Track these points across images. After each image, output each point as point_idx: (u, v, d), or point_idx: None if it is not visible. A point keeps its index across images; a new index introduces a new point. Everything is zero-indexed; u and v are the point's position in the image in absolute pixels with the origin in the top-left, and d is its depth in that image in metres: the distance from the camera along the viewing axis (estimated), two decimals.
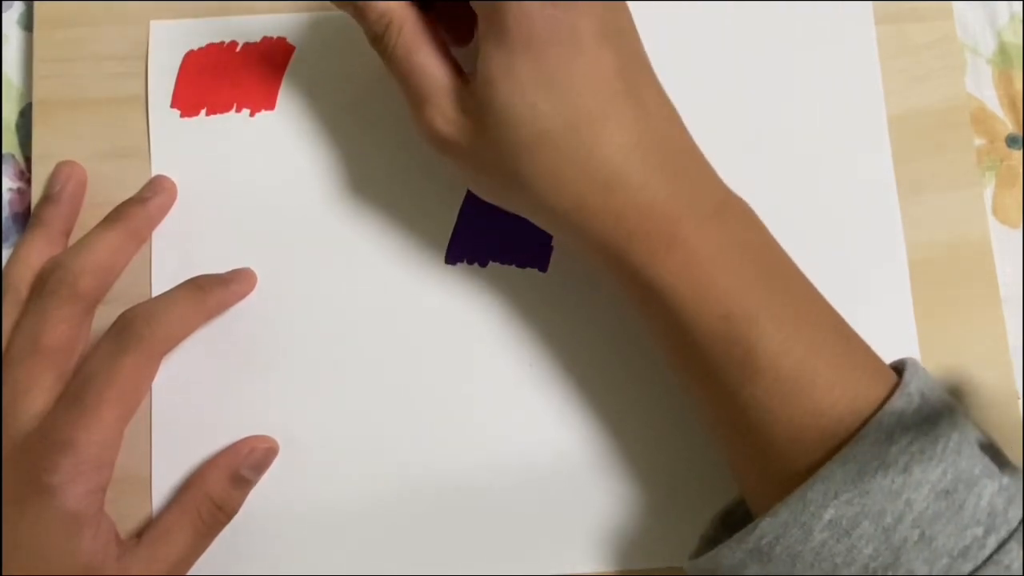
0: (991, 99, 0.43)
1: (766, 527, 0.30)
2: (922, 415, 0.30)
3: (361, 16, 0.34)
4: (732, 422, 0.32)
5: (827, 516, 0.29)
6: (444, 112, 0.33)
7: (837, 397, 0.31)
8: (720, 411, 0.33)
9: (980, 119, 0.42)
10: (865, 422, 0.30)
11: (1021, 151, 0.42)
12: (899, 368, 0.33)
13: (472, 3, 0.32)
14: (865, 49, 0.42)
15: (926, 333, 0.40)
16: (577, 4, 0.31)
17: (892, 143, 0.41)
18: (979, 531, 0.28)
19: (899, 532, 0.28)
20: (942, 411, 0.31)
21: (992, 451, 0.30)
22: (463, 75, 0.34)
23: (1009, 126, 0.43)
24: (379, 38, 0.34)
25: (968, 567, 0.28)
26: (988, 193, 0.42)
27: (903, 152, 0.41)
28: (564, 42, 0.31)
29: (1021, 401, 0.39)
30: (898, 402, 0.30)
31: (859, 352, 0.33)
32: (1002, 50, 0.43)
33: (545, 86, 0.31)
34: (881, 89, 0.42)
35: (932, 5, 0.42)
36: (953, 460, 0.29)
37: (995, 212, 0.42)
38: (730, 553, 0.31)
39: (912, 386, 0.31)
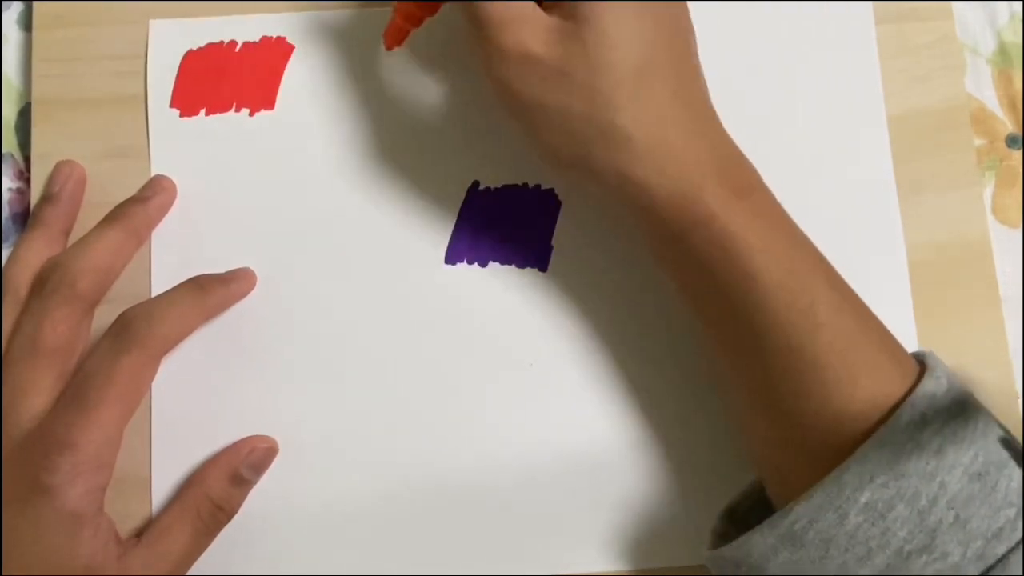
0: (991, 99, 0.43)
1: (800, 511, 0.29)
2: (951, 399, 0.30)
3: None
4: (774, 388, 0.32)
5: (863, 499, 0.29)
6: (533, 29, 0.32)
7: (878, 375, 0.31)
8: (766, 374, 0.32)
9: (980, 119, 0.42)
10: (896, 406, 0.30)
11: (1021, 151, 0.42)
12: (917, 357, 0.33)
13: None
14: (865, 49, 0.42)
15: (926, 333, 0.40)
16: None
17: (892, 143, 0.41)
18: (1011, 512, 0.29)
19: (934, 514, 0.29)
20: (967, 397, 0.31)
21: (1013, 447, 0.30)
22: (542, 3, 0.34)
23: (1009, 126, 0.43)
24: None
25: (1002, 548, 0.28)
26: (988, 193, 0.42)
27: (903, 152, 0.41)
28: None
29: (1021, 401, 0.39)
30: (929, 384, 0.30)
31: (892, 337, 0.33)
32: (1002, 50, 0.43)
33: (652, 18, 0.32)
34: (881, 89, 0.42)
35: (932, 5, 0.42)
36: (983, 443, 0.29)
37: (995, 212, 0.42)
38: (761, 539, 0.30)
39: (939, 370, 0.31)
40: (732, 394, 0.35)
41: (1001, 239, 0.41)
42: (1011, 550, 0.28)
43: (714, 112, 0.34)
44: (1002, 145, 0.42)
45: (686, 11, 0.34)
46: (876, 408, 0.30)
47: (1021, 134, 0.42)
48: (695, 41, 0.35)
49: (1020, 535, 0.28)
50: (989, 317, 0.40)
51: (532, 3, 0.33)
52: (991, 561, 0.28)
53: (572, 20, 0.32)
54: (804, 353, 0.31)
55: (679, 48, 0.33)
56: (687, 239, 0.33)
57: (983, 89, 0.43)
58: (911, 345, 0.39)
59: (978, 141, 0.42)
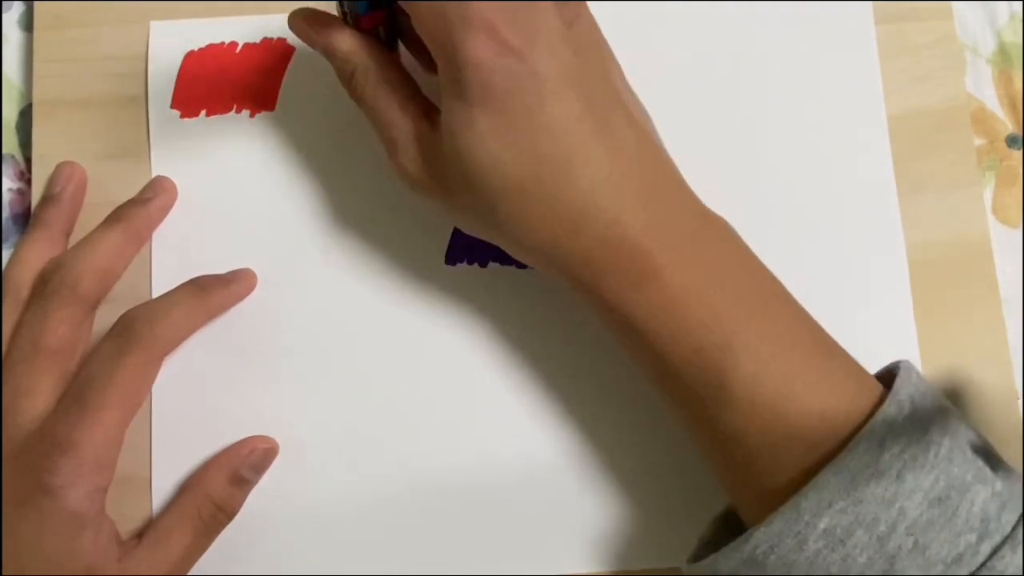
0: (991, 99, 0.43)
1: (760, 537, 0.30)
2: (913, 421, 0.30)
3: (328, 57, 0.35)
4: (714, 444, 0.33)
5: (821, 525, 0.29)
6: (413, 158, 0.34)
7: (818, 419, 0.31)
8: (702, 434, 0.33)
9: (980, 119, 0.42)
10: (855, 430, 0.30)
11: (1021, 151, 0.42)
12: (892, 371, 0.32)
13: (431, 48, 0.32)
14: (865, 49, 0.42)
15: (926, 333, 0.40)
16: (536, 46, 0.30)
17: (892, 143, 0.41)
18: (972, 538, 0.29)
19: (893, 540, 0.28)
20: (934, 416, 0.31)
21: (986, 453, 0.30)
22: (432, 116, 0.34)
23: (1009, 126, 0.43)
24: (347, 82, 0.35)
25: (963, 573, 0.28)
26: (988, 193, 0.42)
27: (903, 152, 0.41)
28: (525, 91, 0.30)
29: (1021, 401, 0.39)
30: (890, 409, 0.30)
31: (842, 366, 0.32)
32: (1002, 50, 0.43)
33: (508, 137, 0.31)
34: (881, 89, 0.42)
35: (932, 5, 0.42)
36: (945, 467, 0.29)
37: (995, 212, 0.42)
38: (725, 562, 0.31)
39: (903, 392, 0.31)
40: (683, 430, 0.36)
41: (1001, 239, 0.41)
42: (971, 575, 0.28)
43: (609, 193, 0.31)
44: (1002, 145, 0.42)
45: (579, 83, 0.31)
46: (832, 439, 0.30)
47: (1021, 134, 0.42)
48: (599, 108, 0.32)
49: (980, 559, 0.28)
50: (989, 317, 0.40)
51: (418, 122, 0.34)
52: None
53: (442, 147, 0.32)
54: (725, 423, 0.31)
55: (557, 145, 0.31)
56: (603, 319, 0.33)
57: (983, 89, 0.43)
58: (911, 344, 0.39)
59: (978, 141, 0.42)
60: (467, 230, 0.35)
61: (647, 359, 0.33)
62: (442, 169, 0.33)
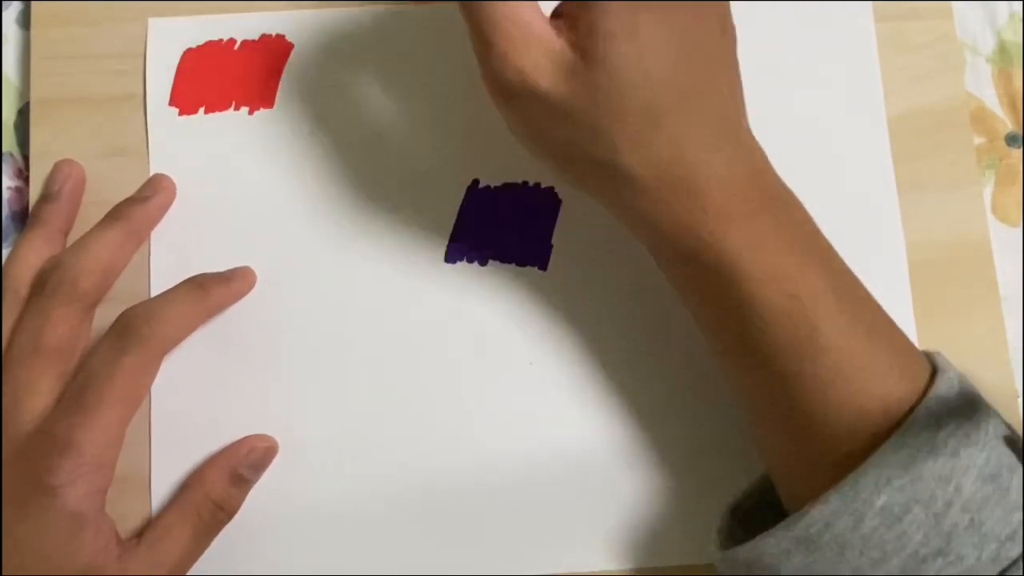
0: (991, 98, 0.43)
1: (816, 515, 0.29)
2: (963, 400, 0.30)
3: None
4: (782, 404, 0.32)
5: (879, 503, 0.29)
6: (536, 59, 0.30)
7: (893, 382, 0.31)
8: (773, 395, 0.32)
9: (980, 118, 0.42)
10: (910, 409, 0.30)
11: (1021, 150, 0.42)
12: (928, 358, 0.33)
13: None
14: (865, 48, 0.42)
15: (926, 333, 0.40)
16: None
17: (892, 143, 0.41)
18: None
19: (949, 517, 0.29)
20: (977, 398, 0.31)
21: (1014, 443, 0.31)
22: (553, 22, 0.32)
23: (1009, 125, 0.43)
24: None
25: (1016, 551, 0.28)
26: (988, 192, 0.42)
27: (903, 152, 0.41)
28: (688, 6, 0.31)
29: (1021, 401, 0.39)
30: (942, 388, 0.30)
31: (903, 340, 0.33)
32: (1001, 49, 0.43)
33: (666, 51, 0.30)
34: (881, 88, 0.42)
35: (932, 4, 0.42)
36: (995, 445, 0.29)
37: (995, 211, 0.42)
38: (775, 542, 0.30)
39: (951, 372, 0.31)
40: (743, 405, 0.35)
41: (1001, 238, 0.41)
42: None
43: (733, 124, 0.33)
44: (1002, 144, 0.42)
45: (721, 14, 0.32)
46: (889, 413, 0.30)
47: (1021, 133, 0.42)
48: (730, 48, 0.33)
49: None
50: (989, 316, 0.40)
51: (542, 24, 0.31)
52: (1005, 563, 0.28)
53: (582, 56, 0.30)
54: (808, 378, 0.31)
55: (702, 71, 0.31)
56: (689, 265, 0.33)
57: (983, 88, 0.43)
58: None
59: (978, 140, 0.42)
60: (552, 153, 0.33)
61: (731, 309, 0.32)
62: (573, 80, 0.30)
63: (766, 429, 0.34)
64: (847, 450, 0.30)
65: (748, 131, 0.34)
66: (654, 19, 0.30)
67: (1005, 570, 0.28)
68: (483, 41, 0.31)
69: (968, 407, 0.30)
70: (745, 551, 0.32)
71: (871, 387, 0.31)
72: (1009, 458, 0.29)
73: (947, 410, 0.30)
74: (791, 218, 0.33)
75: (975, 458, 0.29)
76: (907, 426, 0.30)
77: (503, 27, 0.30)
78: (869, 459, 0.29)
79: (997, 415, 0.31)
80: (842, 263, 0.34)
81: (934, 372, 0.32)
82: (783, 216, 0.33)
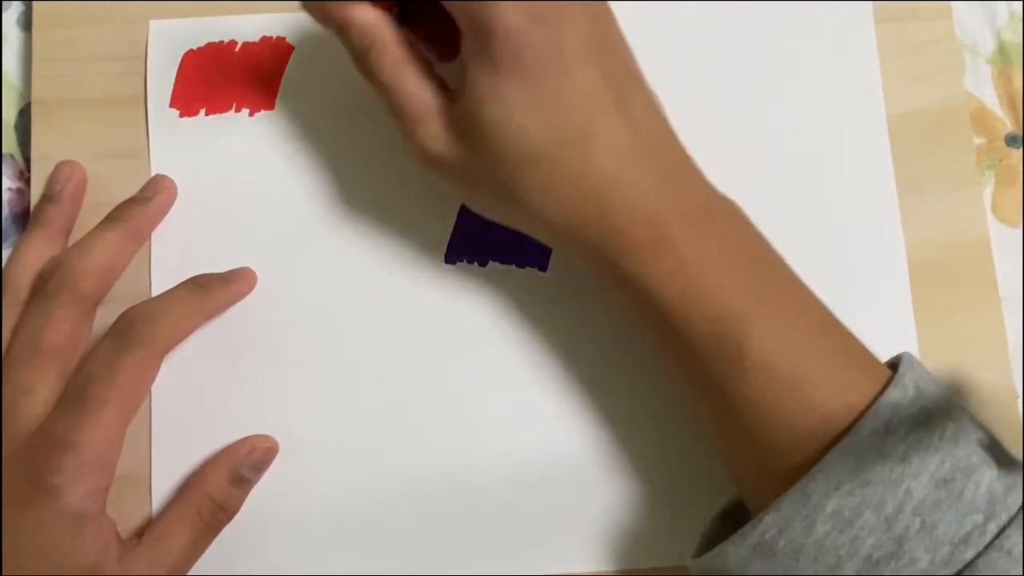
0: (990, 98, 0.43)
1: (769, 522, 0.30)
2: (918, 406, 0.30)
3: (343, 34, 0.34)
4: (726, 420, 0.33)
5: (829, 508, 0.29)
6: (433, 133, 0.33)
7: (829, 393, 0.31)
8: (714, 410, 0.33)
9: (979, 118, 0.42)
10: (860, 415, 0.30)
11: (1020, 150, 0.42)
12: (895, 363, 0.33)
13: (460, 18, 0.32)
14: (865, 49, 0.42)
15: (926, 333, 0.40)
16: (562, 18, 0.31)
17: (892, 143, 0.41)
18: (979, 518, 0.29)
19: (901, 521, 0.29)
20: (938, 402, 0.31)
21: (993, 449, 0.31)
22: (450, 92, 0.34)
23: (1008, 125, 0.43)
24: (363, 58, 0.34)
25: (970, 553, 0.28)
26: (988, 192, 0.42)
27: (903, 152, 0.41)
28: (551, 61, 0.31)
29: (1021, 401, 0.39)
30: (894, 393, 0.30)
31: (851, 349, 0.33)
32: (1001, 49, 0.43)
33: (534, 106, 0.31)
34: (881, 89, 0.42)
35: (931, 5, 0.42)
36: (950, 449, 0.29)
37: (995, 211, 0.42)
38: (734, 549, 0.31)
39: (907, 378, 0.31)
40: (694, 409, 0.36)
41: (1001, 238, 0.41)
42: (979, 555, 0.28)
43: (641, 157, 0.32)
44: (1002, 144, 0.42)
45: (601, 60, 0.32)
46: (839, 421, 0.31)
47: (1021, 133, 0.42)
48: (622, 86, 0.33)
49: (988, 539, 0.29)
50: (989, 317, 0.40)
51: (436, 99, 0.33)
52: (959, 566, 0.28)
53: (465, 119, 0.32)
54: (742, 396, 0.31)
55: (583, 117, 0.32)
56: (620, 294, 0.34)
57: (983, 88, 0.43)
58: (911, 344, 0.39)
59: (978, 140, 0.42)
60: (484, 210, 0.36)
61: (664, 333, 0.33)
62: (463, 143, 0.33)
63: (718, 442, 0.34)
64: (797, 460, 0.31)
65: (664, 153, 0.33)
66: (516, 80, 0.31)
67: (959, 571, 0.28)
68: (395, 119, 0.34)
69: (924, 413, 0.30)
70: (710, 559, 0.32)
71: (812, 398, 0.31)
72: (967, 461, 0.29)
73: (899, 416, 0.30)
74: (716, 235, 0.33)
75: (927, 462, 0.29)
76: (854, 432, 0.30)
77: (405, 108, 0.34)
78: (817, 465, 0.29)
79: (961, 418, 0.31)
80: (780, 271, 0.34)
81: (891, 379, 0.31)
82: (708, 235, 0.33)
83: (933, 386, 0.32)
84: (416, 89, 0.33)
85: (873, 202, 0.41)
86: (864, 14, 0.42)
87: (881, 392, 0.31)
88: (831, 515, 0.29)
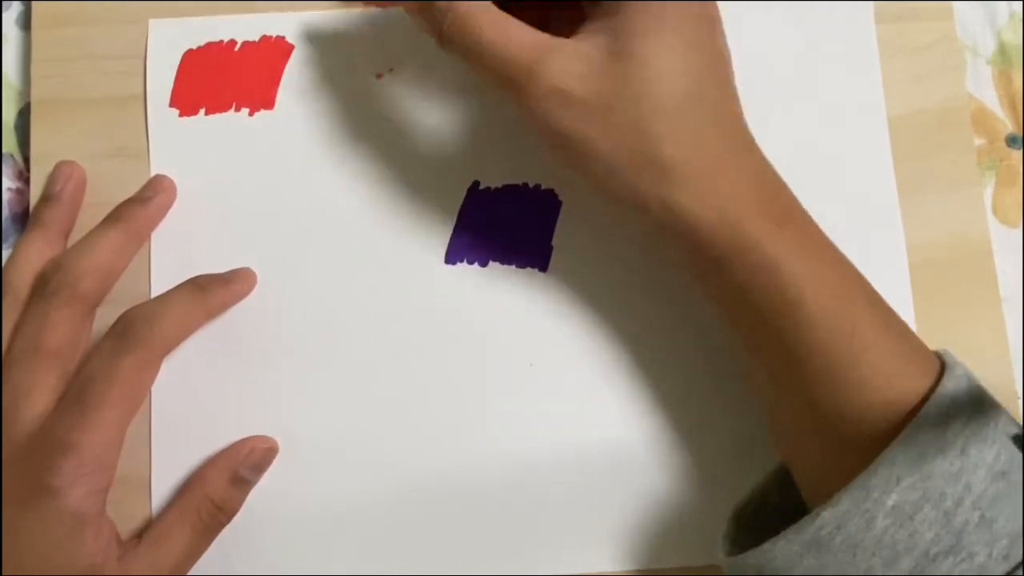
0: (991, 99, 0.43)
1: (828, 517, 0.29)
2: (971, 398, 0.30)
3: (424, 9, 0.33)
4: (813, 402, 0.32)
5: (890, 502, 0.29)
6: (563, 67, 0.32)
7: (909, 379, 0.31)
8: (806, 392, 0.32)
9: (980, 119, 0.42)
10: (920, 404, 0.30)
11: (1021, 151, 0.42)
12: (937, 355, 0.33)
13: None
14: (865, 49, 0.42)
15: (926, 333, 0.39)
16: None
17: (892, 143, 0.41)
18: None
19: (960, 515, 0.28)
20: (985, 395, 0.31)
21: (1021, 442, 0.31)
22: (564, 35, 0.33)
23: (1009, 126, 0.43)
24: (455, 24, 0.33)
25: None
26: (988, 193, 0.42)
27: (903, 152, 0.41)
28: (704, 13, 0.33)
29: (1021, 401, 0.39)
30: (950, 384, 0.30)
31: (916, 337, 0.34)
32: (1002, 50, 0.43)
33: (693, 45, 0.32)
34: (881, 89, 0.42)
35: (932, 5, 0.42)
36: (1005, 441, 0.29)
37: (995, 212, 0.42)
38: (786, 545, 0.30)
39: (959, 369, 0.31)
40: (765, 397, 0.35)
41: (1001, 239, 0.41)
42: None
43: (752, 138, 0.34)
44: (1002, 145, 0.42)
45: (724, 36, 0.34)
46: (907, 407, 0.31)
47: (1021, 134, 0.42)
48: (732, 67, 0.35)
49: None
50: (989, 317, 0.40)
51: (557, 38, 0.32)
52: (1017, 560, 0.28)
53: (611, 54, 0.32)
54: (843, 375, 0.31)
55: (719, 76, 0.33)
56: (730, 265, 0.32)
57: (983, 89, 0.43)
58: None
59: (978, 141, 0.42)
60: (602, 162, 0.33)
61: (775, 310, 0.32)
62: (604, 78, 0.32)
63: (790, 424, 0.34)
64: (869, 443, 0.30)
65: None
66: (679, 17, 0.32)
67: (1016, 567, 0.28)
68: (507, 73, 0.33)
69: (977, 404, 0.30)
70: (755, 556, 0.31)
71: (897, 383, 0.31)
72: (1018, 455, 0.29)
73: (956, 407, 0.30)
74: (813, 229, 0.34)
75: (985, 455, 0.29)
76: (916, 424, 0.30)
77: (523, 54, 0.32)
78: (878, 459, 0.29)
79: (1005, 412, 0.31)
80: (856, 268, 0.34)
81: (943, 369, 0.32)
82: (807, 226, 0.34)
83: (976, 379, 0.32)
84: (528, 33, 0.33)
85: (874, 202, 0.41)
86: (865, 14, 0.42)
87: (937, 383, 0.31)
88: (891, 510, 0.29)
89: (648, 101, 0.32)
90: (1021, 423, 0.38)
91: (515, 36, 0.32)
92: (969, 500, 0.29)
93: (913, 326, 0.40)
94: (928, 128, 0.41)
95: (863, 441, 0.31)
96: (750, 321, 0.33)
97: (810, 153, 0.41)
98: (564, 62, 0.32)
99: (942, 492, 0.29)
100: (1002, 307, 0.40)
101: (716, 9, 0.34)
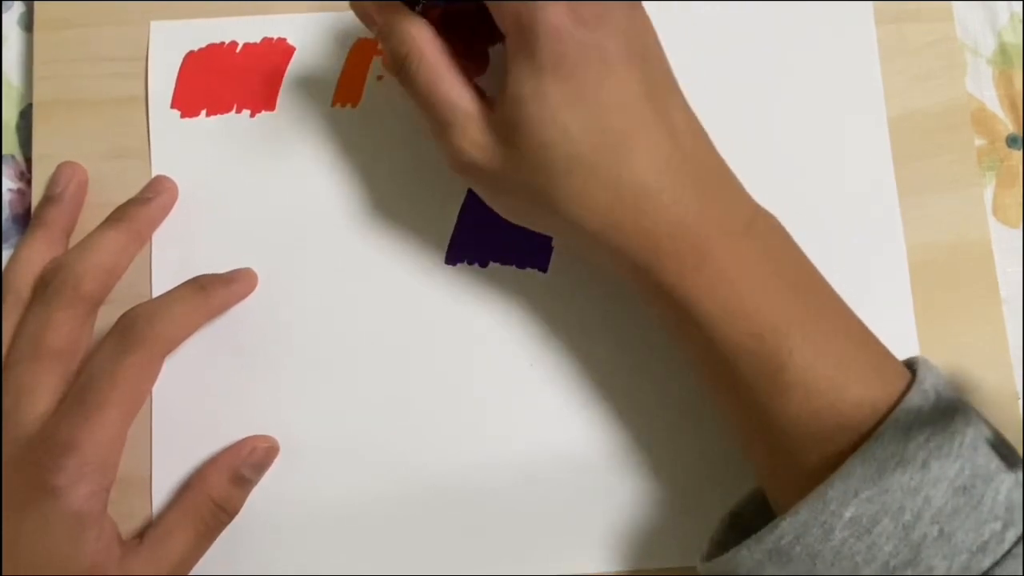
0: (991, 99, 0.43)
1: (786, 527, 0.30)
2: (938, 411, 0.30)
3: (383, 39, 0.34)
4: (760, 431, 0.33)
5: (848, 514, 0.29)
6: (472, 137, 0.33)
7: (859, 400, 0.31)
8: (749, 422, 0.33)
9: (980, 119, 0.42)
10: (883, 419, 0.30)
11: (1021, 151, 0.42)
12: (910, 365, 0.33)
13: (502, 26, 0.33)
14: (865, 50, 0.42)
15: (926, 333, 0.40)
16: (605, 21, 0.32)
17: (892, 143, 0.41)
18: (997, 526, 0.29)
19: (918, 529, 0.29)
20: (956, 407, 0.31)
21: (1002, 449, 0.30)
22: (486, 100, 0.34)
23: (1009, 126, 0.43)
24: (401, 64, 0.34)
25: (987, 562, 0.28)
26: (988, 193, 0.42)
27: (903, 153, 0.41)
28: (593, 64, 0.31)
29: (1021, 401, 0.39)
30: (915, 399, 0.30)
31: (879, 354, 0.33)
32: (1002, 50, 0.43)
33: (576, 108, 0.31)
34: (881, 90, 0.42)
35: (932, 5, 0.42)
36: (970, 456, 0.29)
37: (995, 212, 0.42)
38: (748, 554, 0.30)
39: (927, 383, 0.31)
40: (726, 425, 0.36)
41: (1001, 239, 0.41)
42: (996, 563, 0.28)
43: (678, 164, 0.32)
44: (1002, 145, 0.42)
45: (641, 63, 0.33)
46: (860, 422, 0.31)
47: (1021, 134, 0.42)
48: (658, 91, 0.33)
49: (1005, 548, 0.28)
50: (989, 317, 0.40)
51: (474, 104, 0.33)
52: (976, 574, 0.28)
53: (503, 124, 0.33)
54: (779, 407, 0.31)
55: (622, 119, 0.32)
56: (653, 306, 0.34)
57: (983, 89, 0.43)
58: (912, 345, 0.39)
59: (978, 141, 0.42)
60: (516, 216, 0.35)
61: (700, 346, 0.33)
62: (501, 148, 0.33)
63: (747, 446, 0.34)
64: (825, 460, 0.31)
65: (703, 165, 0.33)
66: (559, 79, 0.31)
67: None
68: (429, 126, 0.35)
69: (944, 418, 0.30)
70: (723, 563, 0.32)
71: (845, 400, 0.31)
72: (987, 468, 0.29)
73: (919, 421, 0.30)
74: (756, 249, 0.33)
75: (947, 469, 0.29)
76: (875, 438, 0.30)
77: (443, 114, 0.34)
78: (837, 471, 0.29)
79: (980, 423, 0.31)
80: (814, 279, 0.34)
81: (911, 382, 0.32)
82: (749, 248, 0.33)
83: (951, 390, 0.32)
84: (454, 95, 0.34)
85: (874, 203, 0.41)
86: (865, 15, 0.42)
87: (902, 397, 0.31)
88: (849, 522, 0.29)
89: (539, 170, 0.32)
90: (1022, 425, 0.38)
91: (441, 94, 0.33)
92: (928, 514, 0.29)
93: (913, 326, 0.40)
94: (928, 128, 0.41)
95: (816, 466, 0.31)
96: (688, 356, 0.34)
97: (810, 153, 0.41)
98: (471, 132, 0.33)
99: (900, 505, 0.29)
100: (1002, 308, 0.40)
101: (620, 44, 0.32)
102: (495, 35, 0.33)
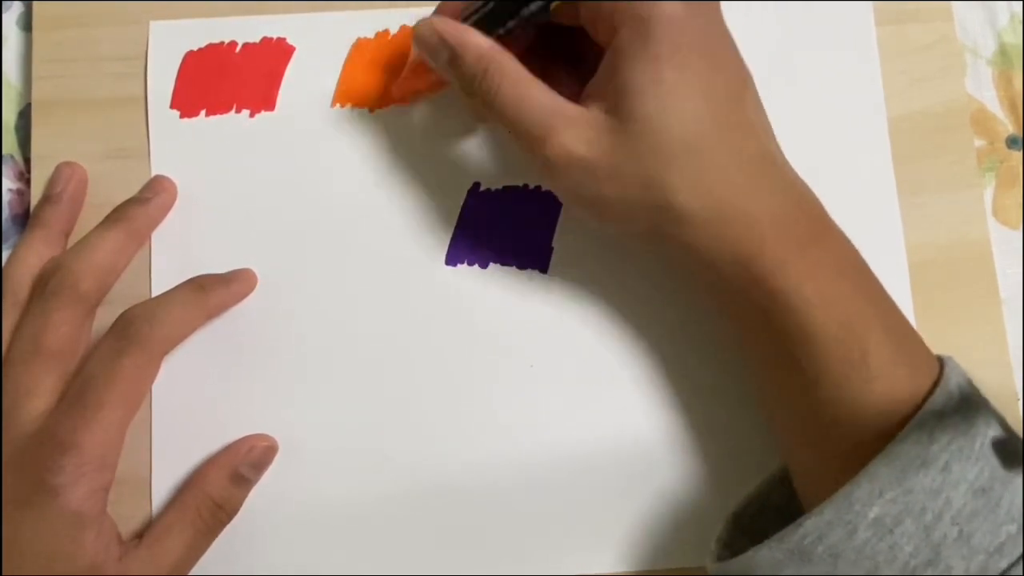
0: (991, 100, 0.43)
1: (810, 526, 0.30)
2: (960, 412, 0.31)
3: (455, 64, 0.35)
4: (815, 418, 0.33)
5: (872, 514, 0.29)
6: (576, 134, 0.33)
7: (908, 385, 0.32)
8: (810, 411, 0.33)
9: (980, 120, 0.42)
10: (911, 414, 0.30)
11: (1021, 152, 0.42)
12: (939, 361, 0.33)
13: (616, 15, 0.33)
14: (865, 50, 0.42)
15: (926, 334, 0.39)
16: (712, 13, 0.34)
17: (892, 144, 0.41)
18: (1013, 528, 0.29)
19: (939, 530, 0.29)
20: (978, 408, 0.31)
21: (1005, 452, 0.31)
22: (577, 101, 0.34)
23: (1009, 127, 0.43)
24: (479, 81, 0.34)
25: (1004, 563, 0.29)
26: (988, 194, 0.42)
27: (903, 153, 0.41)
28: (706, 48, 0.33)
29: (1021, 401, 0.39)
30: (939, 399, 0.31)
31: (921, 342, 0.34)
32: (1002, 51, 0.43)
33: (693, 92, 0.32)
34: (881, 90, 0.42)
35: (932, 6, 0.42)
36: (989, 458, 0.30)
37: (995, 213, 0.42)
38: (768, 554, 0.31)
39: (952, 382, 0.31)
40: (769, 408, 0.36)
41: (1001, 240, 0.41)
42: (1012, 564, 0.29)
43: (773, 159, 0.34)
44: (1002, 146, 0.42)
45: (735, 62, 0.35)
46: (894, 414, 0.31)
47: (1021, 135, 0.42)
48: (751, 88, 0.35)
49: (1021, 550, 0.29)
50: (989, 317, 0.40)
51: (569, 105, 0.34)
52: (993, 575, 0.29)
53: (617, 115, 0.33)
54: (854, 402, 0.32)
55: (729, 109, 0.33)
56: (747, 294, 0.33)
57: (983, 90, 0.43)
58: None
59: (978, 142, 0.42)
60: (618, 214, 0.34)
61: (785, 335, 0.33)
62: (612, 140, 0.33)
63: (790, 436, 0.34)
64: (869, 454, 0.30)
65: (788, 164, 0.35)
66: (674, 67, 0.32)
67: None
68: (521, 134, 0.34)
69: (966, 418, 0.30)
70: (739, 563, 0.32)
71: (897, 392, 0.31)
72: (1003, 471, 0.30)
73: (942, 423, 0.30)
74: (837, 246, 0.34)
75: (967, 472, 0.29)
76: (900, 439, 0.30)
77: (540, 118, 0.34)
78: (862, 471, 0.30)
79: (997, 424, 0.31)
80: (880, 285, 0.34)
81: (938, 379, 0.32)
82: (830, 244, 0.34)
83: (971, 388, 0.32)
84: (547, 100, 0.34)
85: (873, 204, 0.41)
86: (865, 15, 0.42)
87: (928, 394, 0.31)
88: (873, 522, 0.29)
89: (654, 156, 0.32)
90: (1022, 425, 0.38)
91: (533, 100, 0.34)
92: (949, 515, 0.29)
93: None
94: (928, 129, 0.41)
95: (862, 453, 0.31)
96: (765, 344, 0.34)
97: (810, 154, 0.41)
98: (575, 129, 0.33)
99: (923, 506, 0.29)
100: (1002, 308, 0.40)
101: (721, 39, 0.34)
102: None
